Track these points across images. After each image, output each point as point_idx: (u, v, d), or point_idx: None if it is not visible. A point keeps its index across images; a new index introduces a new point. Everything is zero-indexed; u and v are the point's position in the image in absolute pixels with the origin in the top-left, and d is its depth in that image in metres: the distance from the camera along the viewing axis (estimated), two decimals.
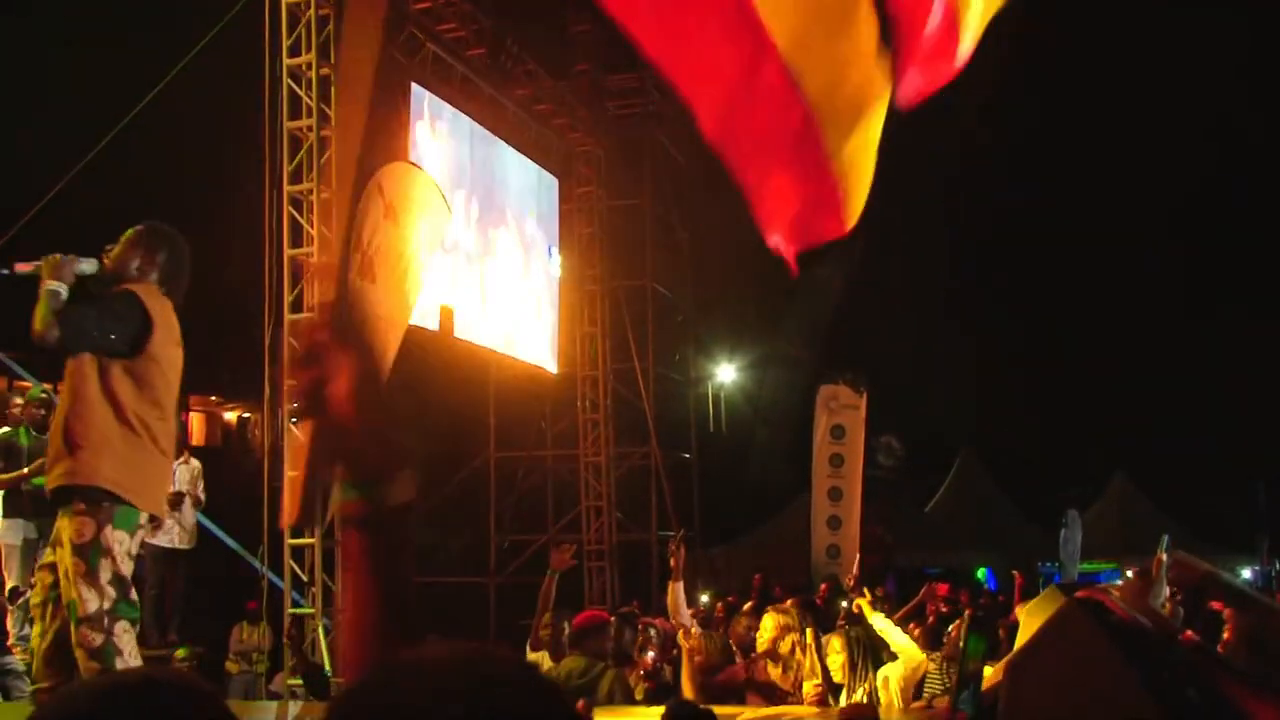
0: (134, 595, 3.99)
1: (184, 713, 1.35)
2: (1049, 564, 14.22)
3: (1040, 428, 24.51)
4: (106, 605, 3.88)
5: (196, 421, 29.15)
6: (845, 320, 24.08)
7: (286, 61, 10.25)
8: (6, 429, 7.91)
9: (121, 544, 3.94)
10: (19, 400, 8.56)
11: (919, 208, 25.89)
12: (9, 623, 7.50)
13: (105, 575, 3.89)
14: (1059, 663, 2.59)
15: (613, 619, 6.52)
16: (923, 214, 26.00)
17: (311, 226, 10.19)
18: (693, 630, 6.16)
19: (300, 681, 8.94)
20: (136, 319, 4.08)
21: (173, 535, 9.32)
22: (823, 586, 11.72)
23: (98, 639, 3.85)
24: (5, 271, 4.23)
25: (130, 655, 3.90)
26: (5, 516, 7.78)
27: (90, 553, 3.90)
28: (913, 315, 25.53)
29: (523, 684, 1.12)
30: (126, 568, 3.96)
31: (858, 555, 14.10)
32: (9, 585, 7.67)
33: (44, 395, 7.84)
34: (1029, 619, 3.40)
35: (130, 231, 4.36)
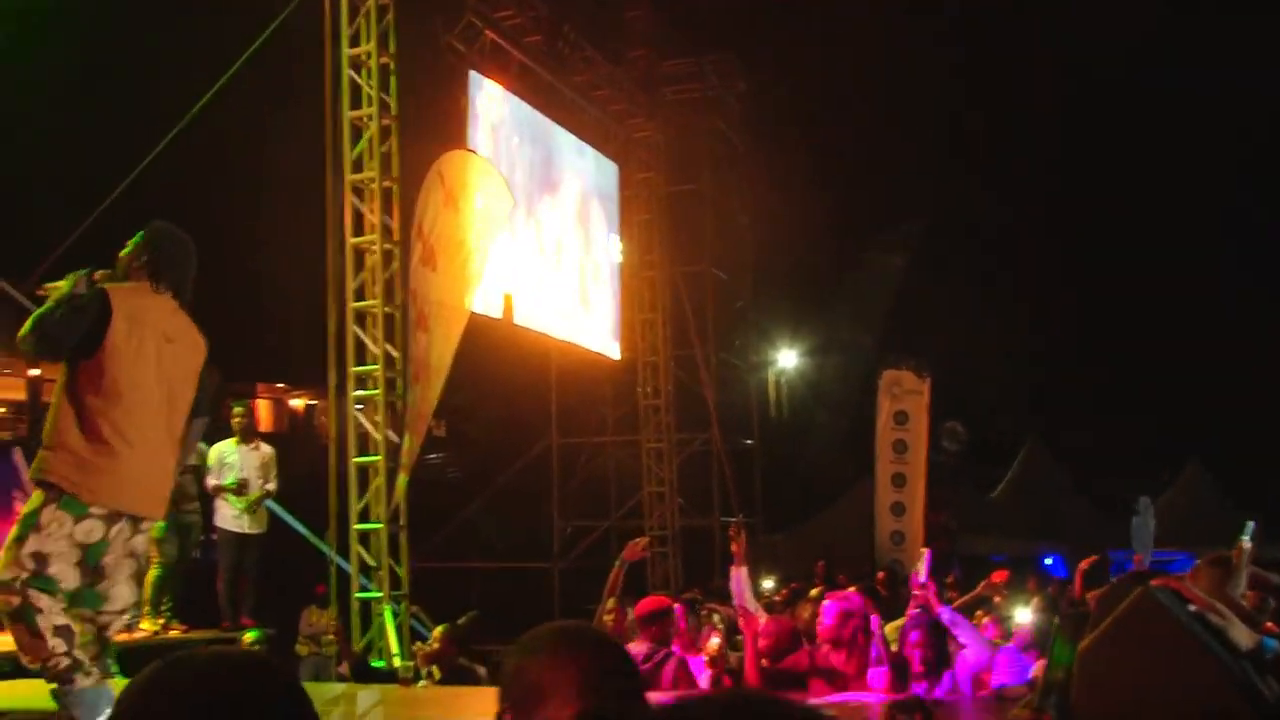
0: (51, 575, 4.02)
1: (263, 687, 1.41)
2: (1120, 551, 14.00)
3: (1109, 412, 24.11)
4: (24, 576, 3.98)
5: (264, 408, 29.64)
6: (907, 304, 23.91)
7: (347, 51, 10.33)
8: None
9: (61, 524, 4.03)
10: None
11: (984, 189, 25.59)
12: None
13: (28, 548, 4.01)
14: (1134, 651, 2.54)
15: (676, 605, 6.52)
16: (987, 194, 25.70)
17: (373, 215, 10.27)
18: (759, 615, 6.13)
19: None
20: (89, 316, 4.11)
21: (242, 520, 9.46)
22: (880, 574, 11.65)
23: (14, 600, 3.98)
24: (40, 293, 4.35)
25: (50, 611, 3.98)
26: None
27: (24, 523, 4.06)
28: (977, 298, 25.23)
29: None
30: (55, 547, 4.03)
31: (922, 544, 14.01)
32: None
33: None
34: (1101, 607, 3.34)
35: (137, 234, 4.44)
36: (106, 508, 4.11)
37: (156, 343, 4.24)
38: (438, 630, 6.76)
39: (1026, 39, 24.28)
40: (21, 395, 26.70)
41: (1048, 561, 17.37)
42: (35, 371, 26.44)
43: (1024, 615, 6.92)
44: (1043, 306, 26.18)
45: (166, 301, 4.35)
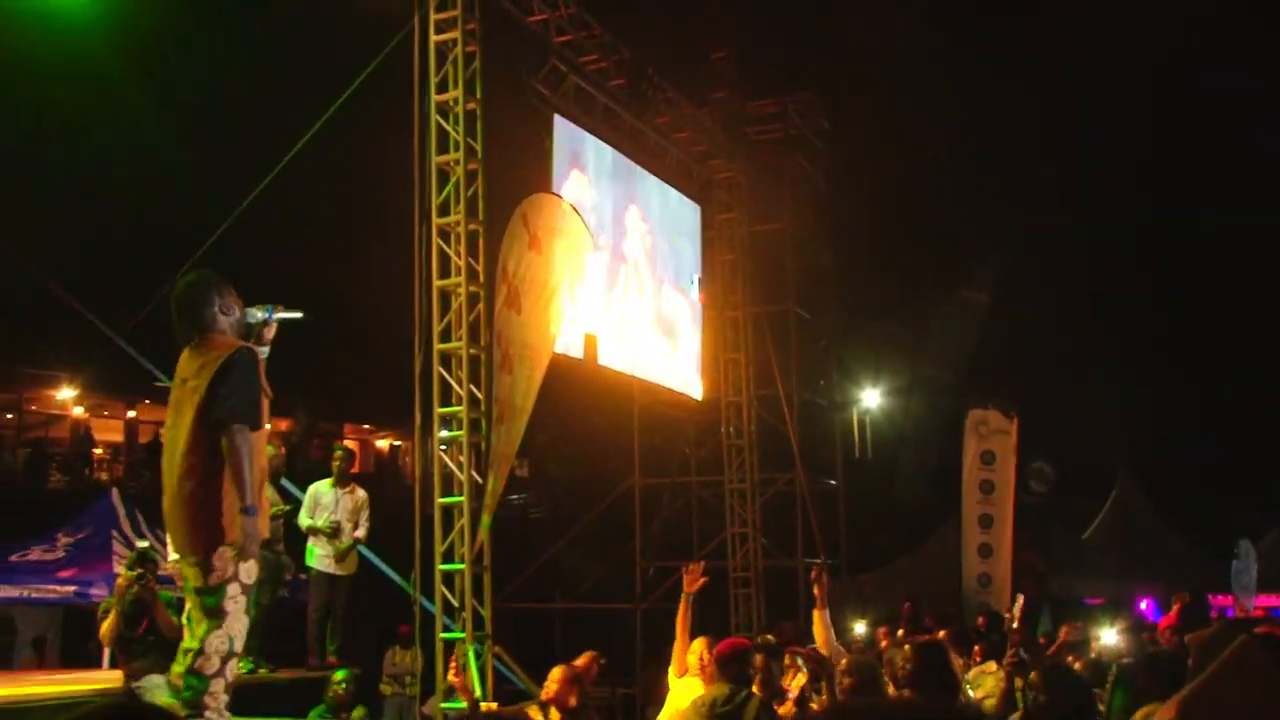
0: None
1: None
2: (1221, 595, 13.57)
3: (1208, 450, 23.43)
4: None
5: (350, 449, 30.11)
6: (995, 341, 23.55)
7: (434, 98, 10.53)
8: None
9: None
10: None
11: (1072, 224, 25.18)
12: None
13: None
14: (1236, 702, 2.45)
15: (755, 645, 6.45)
16: (1074, 230, 25.26)
17: (459, 258, 10.40)
18: (841, 656, 6.05)
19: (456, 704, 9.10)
20: None
21: (333, 562, 9.60)
22: (980, 619, 11.43)
23: None
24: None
25: None
26: None
27: None
28: (1068, 334, 24.78)
29: None
30: None
31: (1010, 587, 13.71)
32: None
33: None
34: (1202, 654, 3.23)
35: None
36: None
37: (176, 393, 4.53)
38: (555, 672, 6.70)
39: (1113, 74, 23.96)
40: (120, 437, 27.51)
41: (1143, 605, 16.88)
42: (133, 414, 27.24)
43: (1110, 636, 6.77)
44: (1134, 339, 25.62)
45: (191, 351, 4.56)
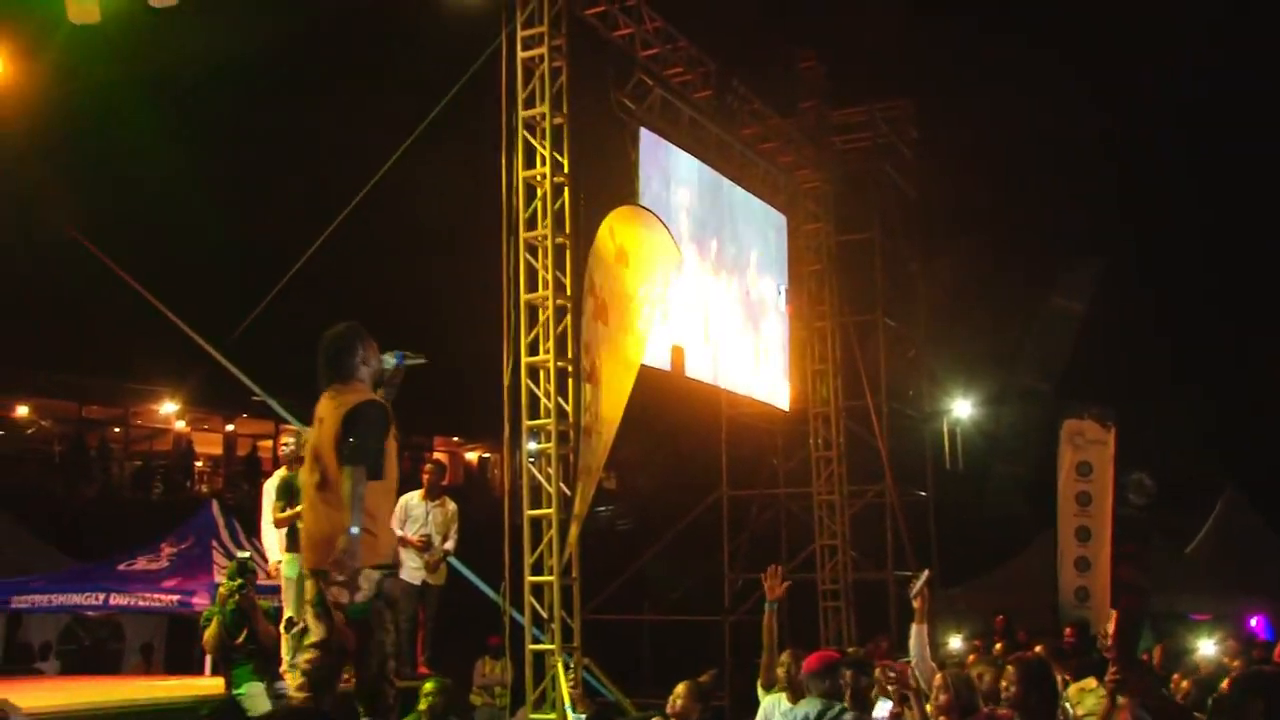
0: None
1: None
2: None
3: None
4: None
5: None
6: (1090, 349, 23.04)
7: (521, 113, 10.63)
8: (287, 471, 8.54)
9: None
10: (287, 441, 9.27)
11: (1163, 230, 24.57)
12: (284, 650, 8.03)
13: None
14: None
15: (843, 658, 6.38)
16: (1166, 237, 24.66)
17: (546, 271, 10.49)
18: (935, 673, 5.94)
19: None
20: None
21: (422, 572, 9.71)
22: (1068, 630, 11.16)
23: None
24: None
25: None
26: (286, 550, 8.38)
27: None
28: (1167, 340, 24.17)
29: None
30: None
31: (1109, 601, 13.37)
32: (286, 615, 8.21)
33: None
34: None
35: None
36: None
37: (314, 432, 4.95)
38: (680, 687, 6.73)
39: (1211, 78, 23.39)
40: (219, 450, 28.21)
41: (1253, 622, 16.33)
42: (231, 427, 27.91)
43: (1207, 648, 6.53)
44: (1238, 343, 24.89)
45: (330, 394, 4.93)
